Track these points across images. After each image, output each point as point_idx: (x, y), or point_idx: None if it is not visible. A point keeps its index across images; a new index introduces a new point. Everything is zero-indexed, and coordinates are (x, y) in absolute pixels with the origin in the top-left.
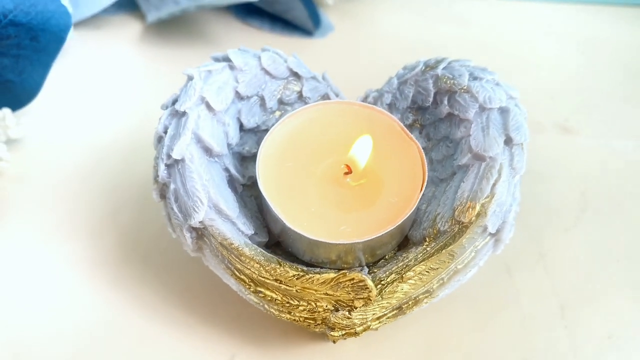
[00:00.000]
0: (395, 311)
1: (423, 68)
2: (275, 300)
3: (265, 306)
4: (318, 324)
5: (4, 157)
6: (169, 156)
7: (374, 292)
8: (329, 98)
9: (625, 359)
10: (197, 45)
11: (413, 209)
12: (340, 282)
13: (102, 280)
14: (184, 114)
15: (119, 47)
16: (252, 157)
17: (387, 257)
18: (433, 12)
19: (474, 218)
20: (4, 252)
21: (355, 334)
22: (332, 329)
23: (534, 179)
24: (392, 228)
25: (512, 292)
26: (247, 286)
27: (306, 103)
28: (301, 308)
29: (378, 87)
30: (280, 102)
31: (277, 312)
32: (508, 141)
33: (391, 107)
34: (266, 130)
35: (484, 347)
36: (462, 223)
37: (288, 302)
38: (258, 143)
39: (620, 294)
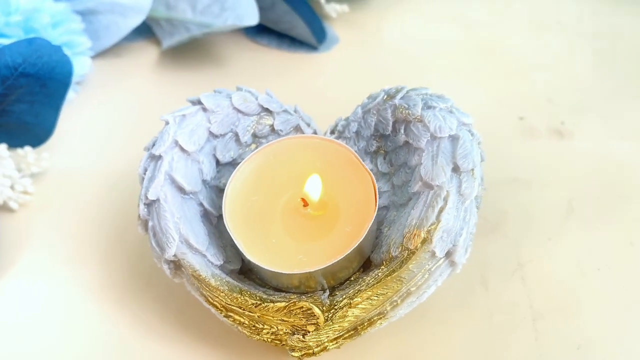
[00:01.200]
0: (351, 332)
1: (384, 97)
2: (244, 323)
3: (238, 328)
4: (284, 344)
5: (29, 191)
6: (146, 197)
7: (322, 318)
8: (300, 129)
9: None
10: (210, 66)
11: (361, 239)
12: (291, 310)
13: (109, 301)
14: (159, 157)
15: (137, 73)
16: None
17: (352, 278)
18: (435, 16)
19: (419, 245)
20: (27, 277)
21: (314, 354)
22: (293, 350)
23: (521, 187)
24: (340, 258)
25: (486, 303)
26: (219, 311)
27: (279, 135)
28: (265, 331)
29: (347, 116)
30: (254, 135)
31: (248, 334)
32: (456, 169)
33: (357, 134)
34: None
35: (448, 356)
36: (409, 249)
37: (254, 326)
38: None
39: (596, 304)
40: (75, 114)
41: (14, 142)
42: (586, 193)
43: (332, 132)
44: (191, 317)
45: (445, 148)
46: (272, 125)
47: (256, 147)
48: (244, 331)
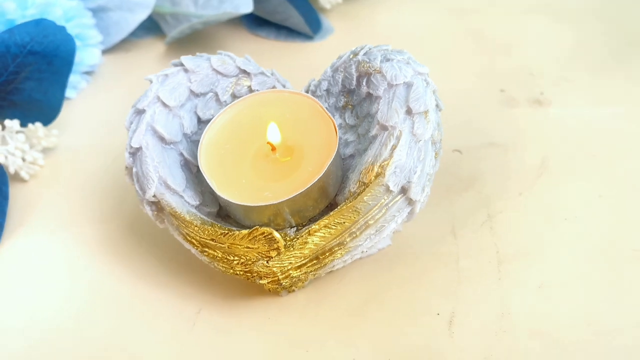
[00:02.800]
0: (313, 261)
1: (349, 56)
2: (217, 257)
3: (214, 264)
4: (254, 277)
5: (39, 163)
6: (130, 145)
7: (281, 243)
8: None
9: (550, 305)
10: None
11: (324, 170)
12: (255, 237)
13: (106, 254)
14: (142, 110)
15: (145, 65)
16: None
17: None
18: (425, 5)
19: (373, 178)
20: (29, 242)
21: (279, 280)
22: (261, 278)
23: (497, 150)
24: (302, 191)
25: (453, 249)
26: (196, 247)
27: None
28: (236, 262)
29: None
30: (233, 95)
31: (223, 269)
32: (409, 111)
33: (328, 92)
34: None
35: (417, 298)
36: (365, 183)
37: (226, 258)
38: None
39: (559, 250)
40: (84, 100)
41: (25, 120)
42: (560, 153)
43: (306, 92)
44: (179, 265)
45: (400, 94)
46: (249, 86)
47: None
48: (219, 266)
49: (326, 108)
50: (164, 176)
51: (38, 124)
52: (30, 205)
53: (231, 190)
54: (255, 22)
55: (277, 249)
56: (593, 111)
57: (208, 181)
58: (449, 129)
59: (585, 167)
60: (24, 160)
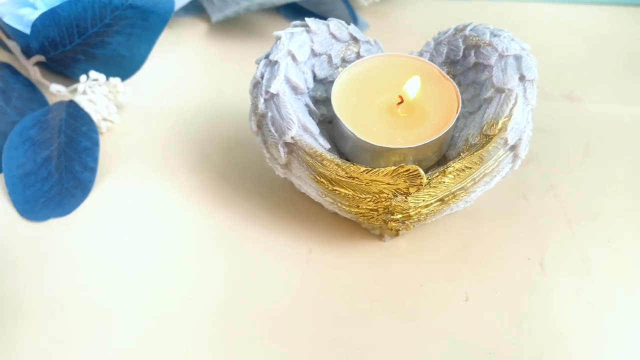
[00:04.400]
0: (439, 202)
1: (454, 32)
2: (347, 195)
3: (338, 203)
4: (380, 214)
5: (115, 120)
6: (267, 92)
7: (425, 179)
8: None
9: (618, 257)
10: (252, 41)
11: (451, 125)
12: (399, 173)
13: (205, 201)
14: (276, 62)
15: (190, 43)
16: (322, 101)
17: (430, 167)
18: (457, 13)
19: (497, 131)
20: (122, 187)
21: (410, 216)
22: (392, 214)
23: (543, 135)
24: (436, 137)
25: (528, 211)
26: (326, 186)
27: None
28: (367, 199)
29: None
30: (343, 60)
31: (347, 207)
32: (522, 78)
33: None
34: (332, 81)
35: (507, 246)
36: (488, 136)
37: (358, 196)
38: (326, 90)
39: (617, 213)
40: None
41: (104, 72)
42: (599, 140)
43: None
44: (282, 210)
45: (512, 63)
46: (358, 52)
47: (343, 69)
48: (343, 205)
49: None
50: (302, 120)
51: (117, 79)
52: (114, 155)
53: (365, 136)
54: (294, 11)
55: (420, 184)
56: (619, 109)
57: (346, 126)
58: None
59: (622, 153)
60: (105, 112)
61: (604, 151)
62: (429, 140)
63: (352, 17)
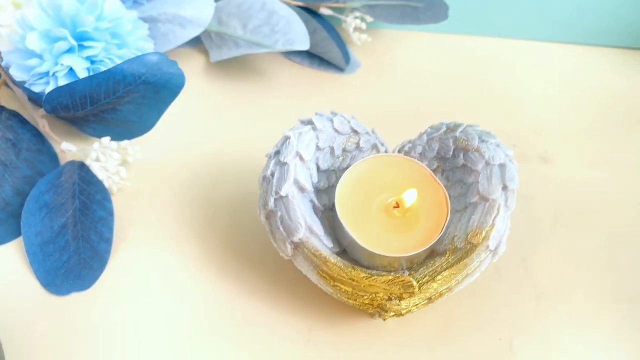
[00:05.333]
0: (426, 300)
1: (445, 129)
2: (347, 291)
3: (338, 295)
4: (374, 308)
5: (126, 183)
6: (277, 193)
7: (417, 289)
8: (377, 147)
9: (578, 335)
10: (251, 78)
11: (441, 233)
12: (394, 282)
13: (209, 273)
14: (285, 163)
15: (191, 76)
16: (325, 190)
17: (419, 263)
18: (442, 51)
19: (481, 240)
20: (136, 258)
21: (401, 314)
22: (386, 312)
23: (518, 200)
24: (427, 247)
25: (501, 286)
26: (328, 281)
27: (361, 151)
28: (365, 297)
29: (411, 138)
30: (344, 150)
31: (345, 299)
32: (504, 188)
33: (422, 155)
34: (334, 171)
35: (477, 322)
36: (473, 243)
37: (356, 293)
38: (328, 180)
39: (578, 290)
40: None
41: (109, 134)
42: (568, 207)
43: (400, 151)
44: (285, 284)
45: (497, 172)
46: (357, 143)
47: (344, 159)
48: (343, 297)
49: None
50: (309, 223)
51: (126, 142)
52: (126, 219)
53: (363, 239)
54: (293, 51)
55: (412, 292)
56: (590, 172)
57: (350, 233)
58: None
59: (590, 220)
60: (117, 176)
61: (573, 219)
62: (420, 250)
63: (345, 57)
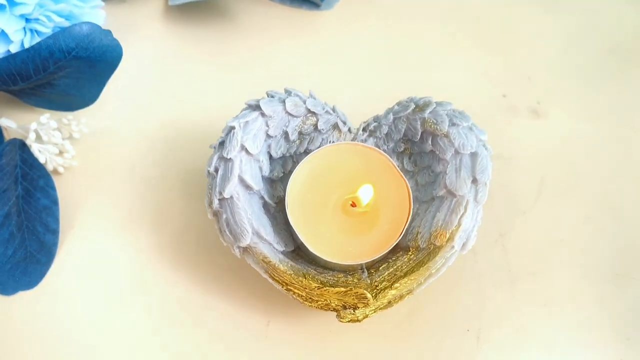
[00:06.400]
0: (386, 304)
1: (414, 108)
2: (301, 295)
3: (293, 297)
4: (331, 310)
5: (72, 163)
6: (220, 194)
7: (371, 300)
8: (338, 126)
9: (552, 324)
10: (217, 20)
11: (400, 237)
12: (348, 294)
13: (164, 262)
14: (229, 159)
15: (146, 24)
16: (280, 180)
17: (380, 259)
18: None
19: (444, 242)
20: (85, 248)
21: (358, 320)
22: (342, 318)
23: (502, 164)
24: (385, 252)
25: (474, 269)
26: (281, 285)
27: (320, 133)
28: (320, 302)
29: (377, 114)
30: (300, 133)
31: (302, 301)
32: (474, 181)
33: (388, 136)
34: (290, 157)
35: (445, 311)
36: (436, 245)
37: (311, 298)
38: (284, 167)
39: (559, 270)
40: None
41: (52, 107)
42: (556, 172)
43: (364, 130)
44: (238, 275)
45: (467, 163)
46: (315, 124)
47: (300, 143)
48: (298, 299)
49: (384, 150)
50: (256, 227)
51: (70, 117)
52: (73, 204)
53: (318, 245)
54: None
55: (367, 303)
56: (583, 127)
57: (301, 238)
58: None
59: (578, 188)
60: (60, 154)
61: (559, 188)
62: (376, 257)
63: None
